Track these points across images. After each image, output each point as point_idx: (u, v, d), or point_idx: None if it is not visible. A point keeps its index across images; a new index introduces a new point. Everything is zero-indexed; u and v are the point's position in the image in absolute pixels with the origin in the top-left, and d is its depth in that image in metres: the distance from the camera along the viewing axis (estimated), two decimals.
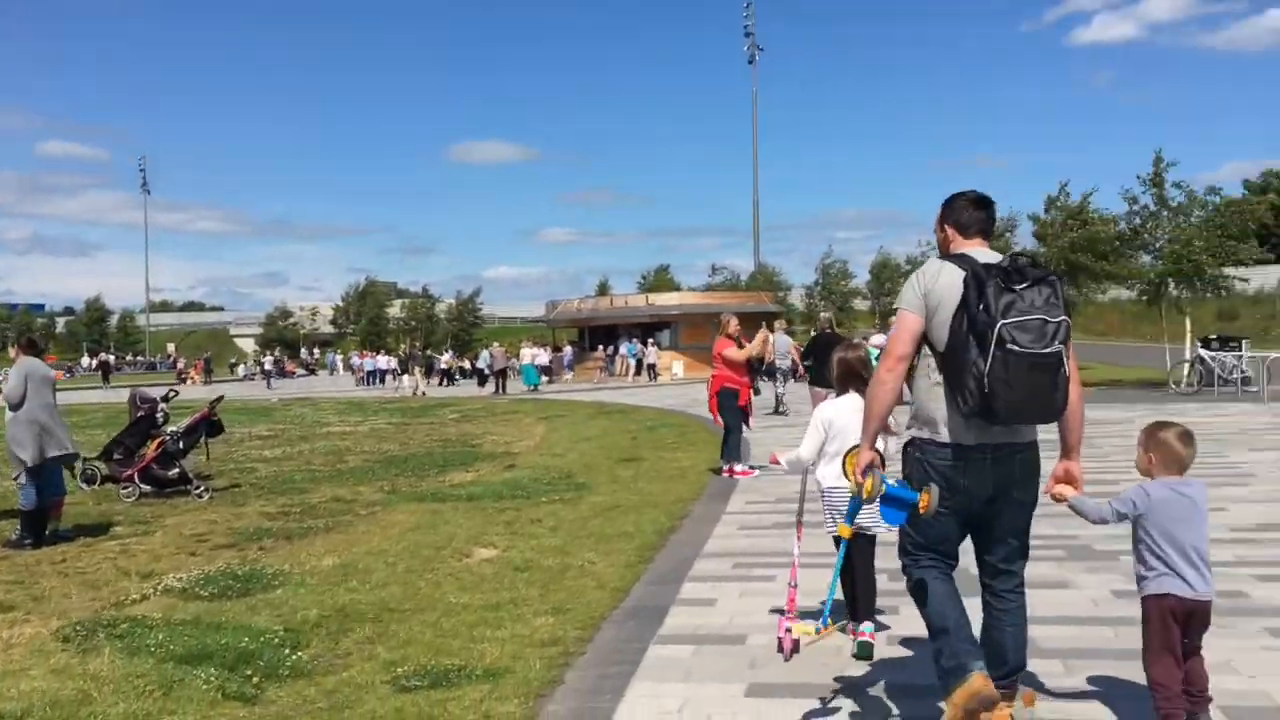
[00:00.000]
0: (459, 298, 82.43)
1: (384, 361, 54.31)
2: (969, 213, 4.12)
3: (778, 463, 5.38)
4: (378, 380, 51.36)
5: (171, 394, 13.63)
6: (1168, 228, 25.42)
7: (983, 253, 4.01)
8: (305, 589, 6.97)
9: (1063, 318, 3.75)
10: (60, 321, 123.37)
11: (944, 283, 3.90)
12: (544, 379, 43.82)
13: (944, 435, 3.93)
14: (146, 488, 11.94)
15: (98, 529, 9.84)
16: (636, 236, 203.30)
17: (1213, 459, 11.99)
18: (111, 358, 79.00)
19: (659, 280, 77.27)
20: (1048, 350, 3.70)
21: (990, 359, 3.69)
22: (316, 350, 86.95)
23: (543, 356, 47.64)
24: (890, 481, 4.00)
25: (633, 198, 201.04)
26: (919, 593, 4.06)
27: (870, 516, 4.92)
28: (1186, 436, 4.02)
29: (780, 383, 22.57)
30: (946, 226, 4.17)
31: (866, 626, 5.16)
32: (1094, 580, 6.47)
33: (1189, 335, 26.28)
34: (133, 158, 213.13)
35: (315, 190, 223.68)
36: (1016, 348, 3.67)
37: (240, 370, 72.78)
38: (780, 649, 4.15)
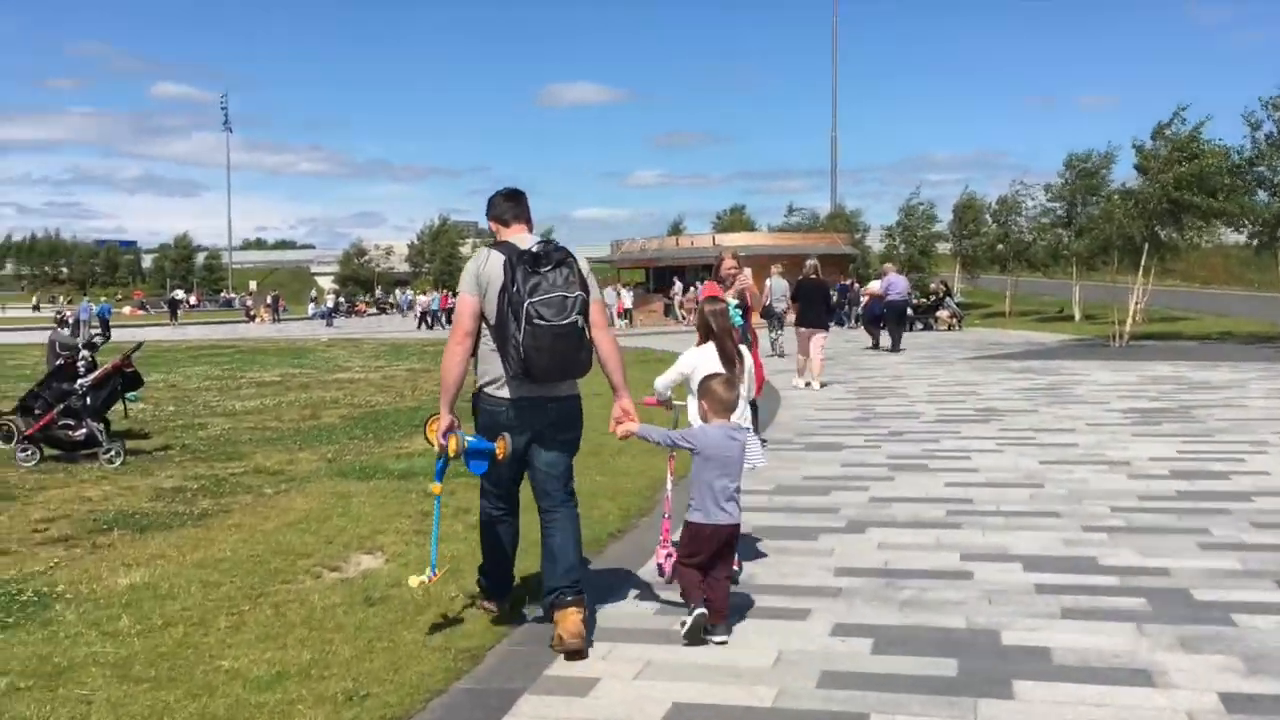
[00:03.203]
0: None
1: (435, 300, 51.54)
2: (502, 206, 4.90)
3: (651, 403, 5.71)
4: (443, 322, 48.59)
5: (97, 339, 11.77)
6: None
7: (522, 238, 4.76)
8: (33, 632, 5.00)
9: (578, 293, 4.55)
10: (148, 258, 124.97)
11: (491, 267, 4.65)
12: (623, 322, 41.87)
13: (502, 390, 4.66)
14: (53, 450, 10.18)
15: None
16: (726, 179, 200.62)
17: None
18: (181, 294, 78.50)
19: (733, 220, 74.30)
20: (566, 321, 4.49)
21: (523, 332, 4.46)
22: (398, 290, 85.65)
23: (627, 298, 45.05)
24: (470, 438, 4.66)
25: (723, 140, 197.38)
26: (484, 530, 5.08)
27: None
28: (729, 384, 4.86)
29: (776, 325, 22.58)
30: (491, 222, 4.94)
31: None
32: (1193, 668, 4.16)
33: None
34: (247, 101, 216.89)
35: (413, 132, 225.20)
36: (542, 322, 4.46)
37: (310, 309, 71.97)
38: (661, 574, 5.21)
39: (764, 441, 9.98)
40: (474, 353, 4.72)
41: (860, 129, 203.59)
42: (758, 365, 6.85)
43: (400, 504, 7.76)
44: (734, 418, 5.37)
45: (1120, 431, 10.54)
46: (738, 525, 4.74)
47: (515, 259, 4.55)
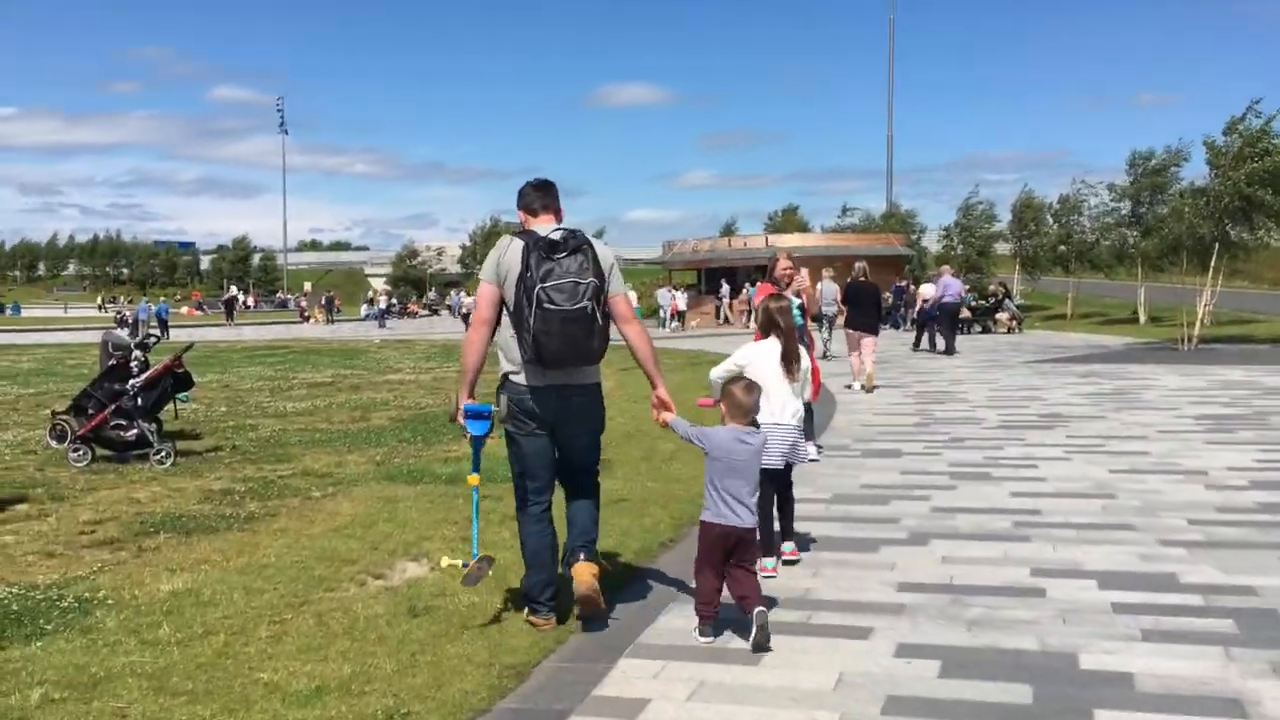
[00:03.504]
0: None
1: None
2: (531, 195, 4.95)
3: (707, 404, 5.57)
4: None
5: (151, 339, 11.78)
6: None
7: (546, 227, 4.83)
8: (72, 639, 4.89)
9: (591, 279, 4.64)
10: (206, 259, 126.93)
11: (511, 255, 4.76)
12: (675, 324, 42.04)
13: (521, 377, 4.81)
14: (105, 451, 10.19)
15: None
16: (779, 179, 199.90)
17: None
18: (238, 293, 79.45)
19: (787, 220, 73.75)
20: (576, 307, 4.58)
21: (534, 317, 4.58)
22: (452, 292, 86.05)
23: (681, 300, 45.12)
24: (470, 403, 4.87)
25: (777, 140, 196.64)
26: (522, 528, 5.03)
27: (781, 454, 5.56)
28: (749, 388, 4.80)
29: (826, 328, 22.72)
30: (520, 211, 4.97)
31: (787, 545, 5.89)
32: None
33: None
34: (301, 104, 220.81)
35: (465, 134, 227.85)
36: (552, 306, 4.56)
37: (363, 310, 72.49)
38: None
39: (820, 448, 9.73)
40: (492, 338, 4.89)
41: (916, 128, 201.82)
42: (815, 368, 6.63)
43: (447, 510, 7.61)
44: (787, 417, 5.61)
45: (1193, 439, 10.13)
46: (752, 529, 4.69)
47: (532, 245, 4.66)
